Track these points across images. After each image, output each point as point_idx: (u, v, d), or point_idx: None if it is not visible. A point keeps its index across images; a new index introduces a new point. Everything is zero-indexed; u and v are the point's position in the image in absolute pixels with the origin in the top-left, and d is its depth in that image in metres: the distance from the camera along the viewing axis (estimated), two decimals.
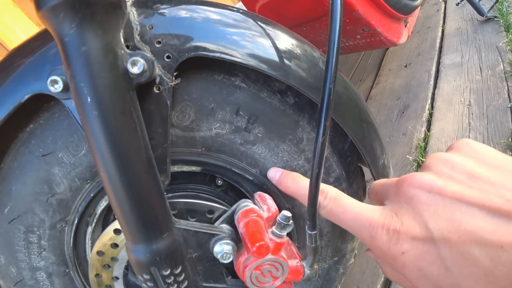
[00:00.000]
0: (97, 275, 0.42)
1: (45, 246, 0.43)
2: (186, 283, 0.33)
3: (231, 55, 0.32)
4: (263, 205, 0.35)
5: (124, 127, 0.25)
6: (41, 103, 0.35)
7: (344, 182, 0.47)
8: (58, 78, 0.26)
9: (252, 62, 0.33)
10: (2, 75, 0.34)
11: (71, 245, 0.44)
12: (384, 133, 1.15)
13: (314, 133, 0.41)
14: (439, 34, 1.59)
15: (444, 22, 1.71)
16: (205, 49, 0.32)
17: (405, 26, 1.05)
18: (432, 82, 1.24)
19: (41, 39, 0.35)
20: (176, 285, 0.32)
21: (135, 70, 0.25)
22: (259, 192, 0.39)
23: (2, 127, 0.34)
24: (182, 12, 0.33)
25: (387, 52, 1.72)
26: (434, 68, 1.32)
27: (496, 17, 1.38)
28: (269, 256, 0.33)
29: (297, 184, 0.34)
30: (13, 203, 0.40)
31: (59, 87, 0.26)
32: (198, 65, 0.34)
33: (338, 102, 0.38)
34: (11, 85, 0.33)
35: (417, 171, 0.82)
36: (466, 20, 1.56)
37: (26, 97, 0.31)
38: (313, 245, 0.35)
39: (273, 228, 0.33)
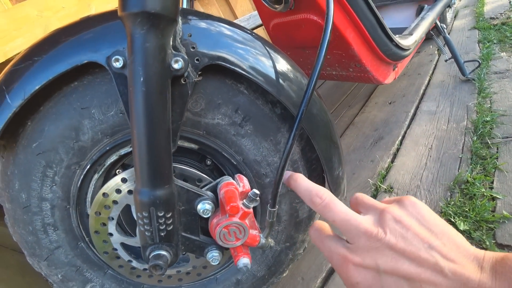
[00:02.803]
0: (97, 212, 0.51)
1: (57, 181, 0.52)
2: (171, 227, 0.43)
3: (241, 69, 0.44)
4: (240, 183, 0.47)
5: (159, 102, 0.36)
6: (88, 68, 0.45)
7: None
8: (120, 58, 0.36)
9: (256, 78, 0.45)
10: (64, 41, 0.43)
11: (78, 186, 0.53)
12: (356, 157, 1.29)
13: None
14: (426, 82, 1.76)
15: (433, 72, 1.88)
16: (224, 60, 0.43)
17: (394, 69, 1.19)
18: (407, 123, 1.40)
19: (98, 19, 0.44)
20: (164, 226, 0.43)
21: (176, 66, 0.36)
22: (238, 174, 0.51)
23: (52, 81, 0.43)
24: (215, 28, 0.44)
25: (378, 87, 1.89)
26: (412, 111, 1.48)
27: (474, 79, 1.55)
28: (236, 219, 0.44)
29: (296, 181, 0.41)
30: (42, 141, 0.49)
31: (119, 64, 0.36)
32: (216, 70, 0.45)
33: (313, 121, 0.50)
34: (71, 50, 0.43)
35: (375, 193, 0.96)
36: (451, 76, 1.74)
37: (84, 61, 0.41)
38: (270, 220, 0.47)
39: (244, 200, 0.45)
